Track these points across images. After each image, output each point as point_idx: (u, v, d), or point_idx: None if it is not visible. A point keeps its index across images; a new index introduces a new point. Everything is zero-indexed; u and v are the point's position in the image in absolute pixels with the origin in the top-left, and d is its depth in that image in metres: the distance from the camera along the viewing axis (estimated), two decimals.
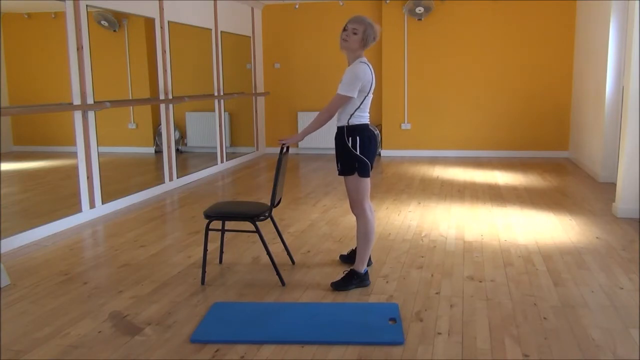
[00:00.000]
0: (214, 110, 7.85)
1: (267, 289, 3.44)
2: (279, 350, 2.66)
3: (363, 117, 3.36)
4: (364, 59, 3.34)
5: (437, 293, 3.33)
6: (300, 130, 9.12)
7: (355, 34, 3.29)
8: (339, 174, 3.45)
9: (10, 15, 4.93)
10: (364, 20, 3.32)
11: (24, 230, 4.47)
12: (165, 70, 6.47)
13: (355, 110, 3.32)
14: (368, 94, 3.32)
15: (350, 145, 3.33)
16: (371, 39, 3.31)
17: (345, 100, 3.29)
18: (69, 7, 4.94)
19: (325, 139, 9.13)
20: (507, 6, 8.39)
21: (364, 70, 3.28)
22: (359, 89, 3.27)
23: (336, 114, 3.41)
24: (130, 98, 6.31)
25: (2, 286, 3.51)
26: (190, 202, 5.93)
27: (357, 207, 3.44)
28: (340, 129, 3.39)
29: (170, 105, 6.62)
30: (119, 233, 4.76)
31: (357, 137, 3.33)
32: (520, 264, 3.81)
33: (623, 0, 6.20)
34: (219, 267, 3.85)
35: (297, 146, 9.39)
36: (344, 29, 3.33)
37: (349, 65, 3.35)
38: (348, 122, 3.34)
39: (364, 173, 3.38)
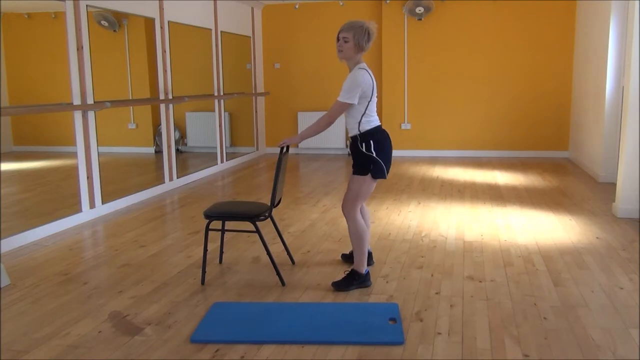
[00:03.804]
0: (214, 110, 7.85)
1: (267, 289, 3.44)
2: (279, 350, 2.66)
3: (372, 120, 3.37)
4: (363, 65, 3.34)
5: (437, 293, 3.33)
6: (299, 131, 9.17)
7: (346, 42, 3.28)
8: (353, 174, 3.44)
9: (10, 15, 4.93)
10: (353, 26, 3.29)
11: (24, 230, 4.47)
12: (165, 70, 6.48)
13: (362, 117, 3.33)
14: (371, 98, 3.32)
15: (364, 150, 3.34)
16: (365, 41, 3.28)
17: (345, 107, 3.30)
18: (69, 7, 4.94)
19: (324, 140, 9.15)
20: (507, 6, 8.39)
21: (363, 76, 3.28)
22: (359, 95, 3.27)
23: (347, 126, 3.44)
24: (130, 98, 6.31)
25: (2, 286, 3.51)
26: (190, 202, 5.93)
27: (348, 208, 3.42)
28: (353, 139, 3.41)
29: (170, 105, 6.62)
30: (119, 233, 4.76)
31: (371, 141, 3.34)
32: (520, 264, 3.81)
33: (623, 0, 6.20)
34: (219, 267, 3.85)
35: (297, 146, 9.40)
36: (337, 39, 3.33)
37: (349, 72, 3.36)
38: (359, 130, 3.35)
39: (378, 174, 3.36)
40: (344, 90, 3.27)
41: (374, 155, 3.32)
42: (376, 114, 3.41)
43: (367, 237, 3.46)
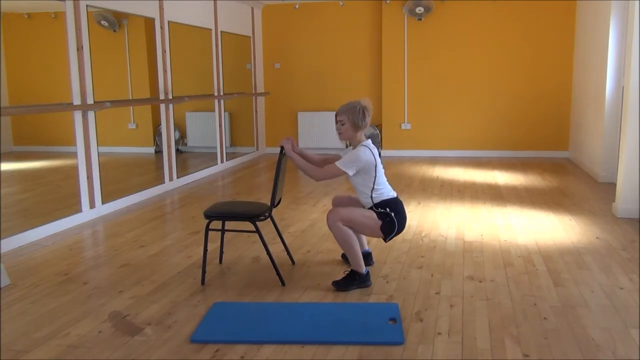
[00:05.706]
0: (214, 110, 7.85)
1: (267, 289, 3.44)
2: (279, 350, 2.66)
3: (382, 193, 3.42)
4: (366, 143, 3.43)
5: (437, 293, 3.33)
6: (299, 132, 9.19)
7: (343, 124, 3.41)
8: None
9: (10, 15, 4.93)
10: (346, 108, 3.40)
11: (24, 230, 4.47)
12: (165, 70, 6.48)
13: (372, 192, 3.40)
14: (376, 173, 3.39)
15: (380, 210, 3.39)
16: (360, 120, 3.38)
17: (340, 173, 3.39)
18: (69, 7, 4.94)
19: (325, 139, 9.14)
20: (507, 6, 8.39)
21: (365, 153, 3.37)
22: (359, 170, 3.36)
23: (360, 199, 3.52)
24: (130, 98, 6.31)
25: (2, 286, 3.51)
26: (190, 202, 5.93)
27: (336, 221, 3.35)
28: (369, 210, 3.46)
29: (170, 105, 6.62)
30: (119, 233, 4.76)
31: (387, 208, 3.39)
32: (520, 264, 3.81)
33: (623, 0, 6.20)
34: (219, 267, 3.85)
35: (297, 146, 9.38)
36: (336, 121, 3.44)
37: (353, 148, 3.46)
38: (373, 201, 3.42)
39: (387, 231, 3.39)
40: (345, 160, 3.39)
41: (392, 214, 3.37)
42: (387, 184, 3.48)
43: (354, 237, 3.43)
